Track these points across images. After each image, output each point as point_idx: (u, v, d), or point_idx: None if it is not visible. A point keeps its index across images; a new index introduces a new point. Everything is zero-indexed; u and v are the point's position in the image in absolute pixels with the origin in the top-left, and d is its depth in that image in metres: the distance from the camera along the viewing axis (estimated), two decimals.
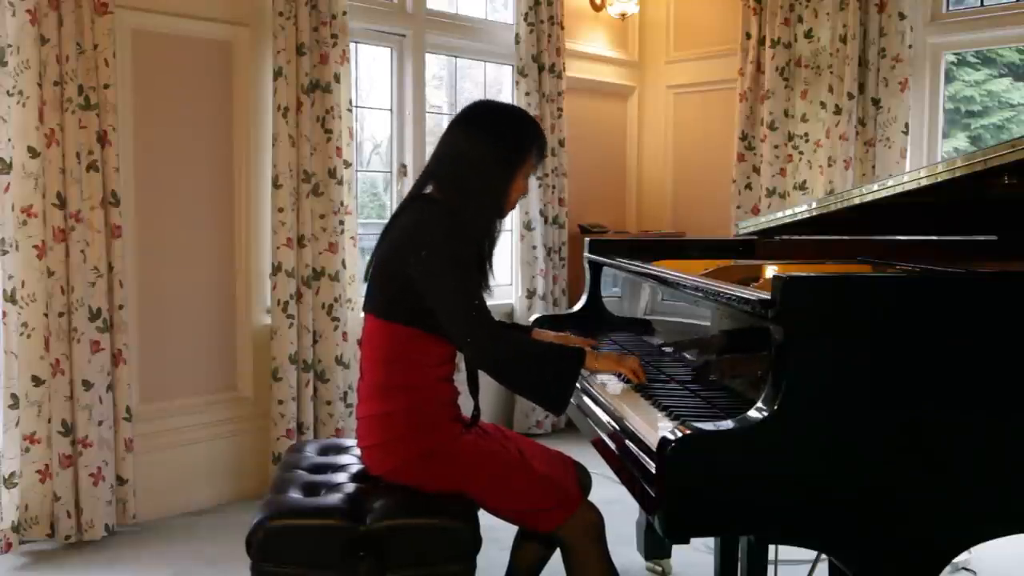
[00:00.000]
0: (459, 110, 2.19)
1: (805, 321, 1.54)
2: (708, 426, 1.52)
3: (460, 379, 2.15)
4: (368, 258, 2.17)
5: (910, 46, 4.15)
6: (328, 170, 3.70)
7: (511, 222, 4.67)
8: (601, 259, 2.88)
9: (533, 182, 4.54)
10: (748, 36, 4.60)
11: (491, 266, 2.17)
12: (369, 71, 4.36)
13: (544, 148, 2.17)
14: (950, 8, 4.25)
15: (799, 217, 2.54)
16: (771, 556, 2.39)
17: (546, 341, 2.35)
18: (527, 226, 4.60)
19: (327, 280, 3.73)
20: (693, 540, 1.60)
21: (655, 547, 2.93)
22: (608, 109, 5.30)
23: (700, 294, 1.99)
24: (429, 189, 2.12)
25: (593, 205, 5.16)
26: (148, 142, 3.41)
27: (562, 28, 4.66)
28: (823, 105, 4.37)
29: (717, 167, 4.96)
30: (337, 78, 3.70)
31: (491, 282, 2.19)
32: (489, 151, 2.07)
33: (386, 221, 2.18)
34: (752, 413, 1.53)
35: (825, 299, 1.56)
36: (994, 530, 1.62)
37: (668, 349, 2.27)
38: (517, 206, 4.67)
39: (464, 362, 2.13)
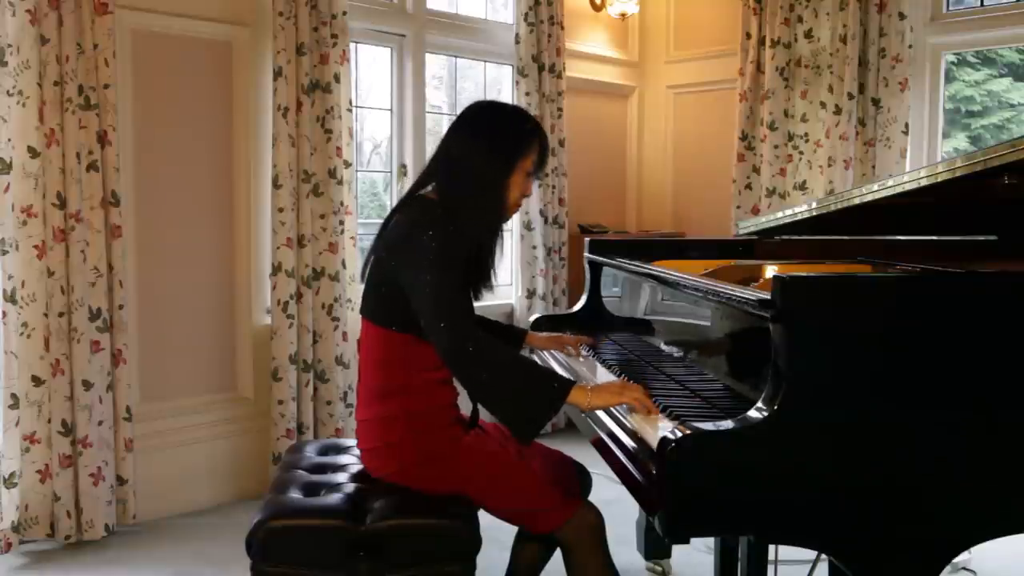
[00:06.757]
0: (459, 111, 2.17)
1: (805, 321, 1.54)
2: (708, 426, 1.52)
3: None
4: (364, 259, 2.17)
5: (910, 46, 4.15)
6: (328, 170, 3.70)
7: (511, 222, 4.67)
8: (601, 259, 2.88)
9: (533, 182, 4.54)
10: (748, 36, 4.60)
11: (494, 268, 2.16)
12: (369, 71, 4.36)
13: (545, 146, 2.12)
14: (950, 8, 4.25)
15: (799, 217, 2.54)
16: (771, 556, 2.39)
17: (529, 359, 2.31)
18: (527, 226, 4.60)
19: (327, 280, 3.73)
20: (693, 540, 1.60)
21: (655, 547, 2.93)
22: (608, 109, 5.30)
23: (700, 294, 1.99)
24: (427, 190, 2.11)
25: (593, 205, 5.16)
26: (148, 142, 3.41)
27: (562, 28, 4.65)
28: (823, 105, 4.37)
29: (717, 167, 4.96)
30: (337, 78, 3.70)
31: (493, 284, 2.18)
32: (485, 149, 2.05)
33: None
34: (752, 413, 1.54)
35: (825, 299, 1.56)
36: (994, 530, 1.62)
37: (668, 349, 2.27)
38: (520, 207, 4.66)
39: None
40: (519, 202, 2.13)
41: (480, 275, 2.13)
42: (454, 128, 2.12)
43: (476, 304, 2.09)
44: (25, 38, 2.94)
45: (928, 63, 4.26)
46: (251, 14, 3.64)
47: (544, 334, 2.64)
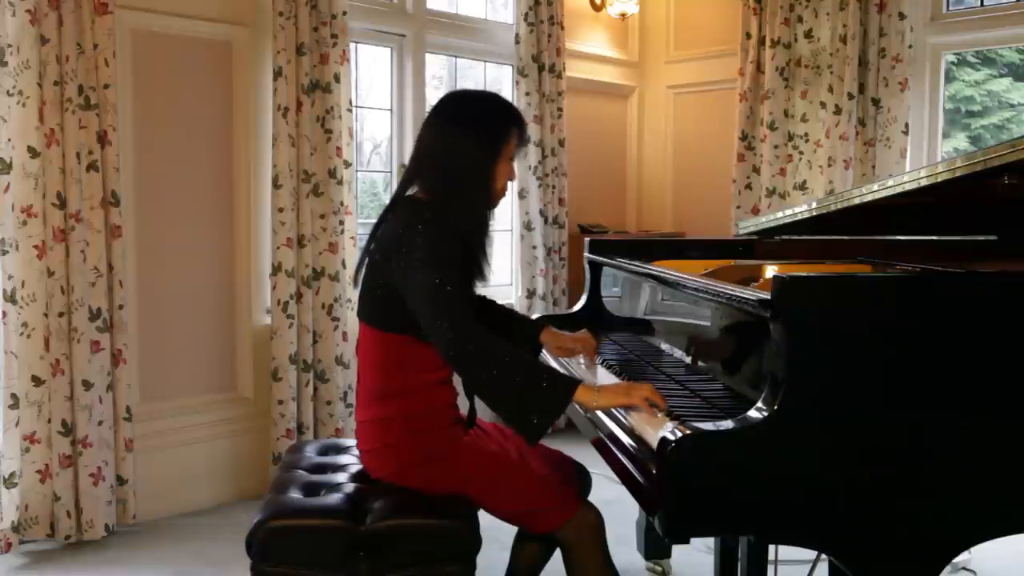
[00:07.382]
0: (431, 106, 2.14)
1: (805, 321, 1.54)
2: (708, 426, 1.52)
3: (457, 379, 2.13)
4: (357, 262, 2.16)
5: (910, 46, 4.15)
6: (328, 170, 3.70)
7: (511, 222, 4.67)
8: (601, 259, 2.88)
9: (533, 182, 4.55)
10: (748, 36, 4.60)
11: (486, 259, 2.15)
12: (369, 71, 4.36)
13: (524, 128, 2.10)
14: (950, 8, 4.25)
15: (799, 217, 2.54)
16: (771, 556, 2.39)
17: (533, 357, 2.27)
18: (527, 226, 4.60)
19: (327, 280, 3.73)
20: (693, 540, 1.60)
21: (655, 547, 2.92)
22: (608, 109, 5.30)
23: (700, 294, 1.99)
24: (413, 190, 2.10)
25: (593, 205, 5.16)
26: (148, 142, 3.41)
27: (562, 28, 4.65)
28: (823, 105, 4.37)
29: (717, 167, 4.96)
30: (337, 78, 3.70)
31: (487, 274, 2.16)
32: (468, 140, 2.02)
33: None
34: (752, 413, 1.54)
35: (825, 299, 1.56)
36: (994, 530, 1.62)
37: (668, 349, 2.27)
38: (515, 202, 4.67)
39: None
40: (506, 187, 2.12)
41: (474, 267, 2.13)
42: (431, 123, 2.09)
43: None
44: (25, 38, 2.93)
45: (928, 63, 4.26)
46: (251, 14, 3.64)
47: (555, 337, 2.46)
